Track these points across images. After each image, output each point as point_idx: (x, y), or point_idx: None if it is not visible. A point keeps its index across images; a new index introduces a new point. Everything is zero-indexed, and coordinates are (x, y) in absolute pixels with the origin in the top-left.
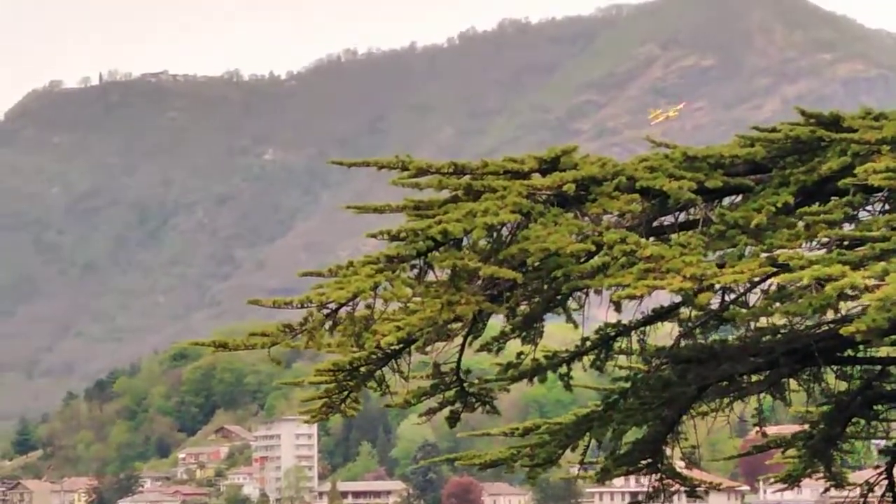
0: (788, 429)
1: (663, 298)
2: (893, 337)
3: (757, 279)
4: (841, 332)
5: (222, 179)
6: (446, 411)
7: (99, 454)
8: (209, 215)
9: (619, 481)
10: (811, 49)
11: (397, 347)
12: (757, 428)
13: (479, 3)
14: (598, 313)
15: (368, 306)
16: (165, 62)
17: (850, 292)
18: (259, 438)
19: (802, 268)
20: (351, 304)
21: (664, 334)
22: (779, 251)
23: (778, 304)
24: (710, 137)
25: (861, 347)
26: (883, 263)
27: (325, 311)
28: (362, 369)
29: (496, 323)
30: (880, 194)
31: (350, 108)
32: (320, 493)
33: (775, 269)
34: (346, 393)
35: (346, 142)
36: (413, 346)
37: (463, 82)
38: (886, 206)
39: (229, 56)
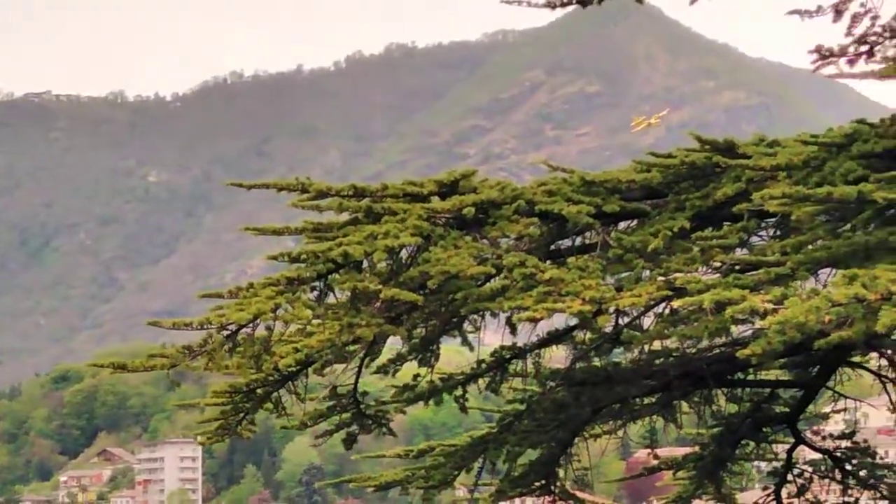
0: (676, 451)
1: (558, 321)
2: (782, 361)
3: (653, 302)
4: (737, 354)
5: (105, 201)
6: (340, 433)
7: None
8: (92, 236)
9: None
10: (694, 77)
11: (295, 369)
12: (646, 450)
13: (366, 27)
14: (487, 338)
15: (268, 328)
16: (48, 82)
17: (744, 316)
18: (142, 461)
19: (700, 291)
20: (251, 325)
21: (558, 357)
22: (675, 275)
23: (674, 328)
24: (595, 162)
25: (751, 370)
26: (781, 288)
27: (225, 333)
28: (259, 391)
29: (391, 345)
30: (773, 220)
31: (236, 130)
32: None
33: (672, 293)
34: (242, 415)
35: (232, 164)
36: (311, 368)
37: (350, 105)
38: (778, 232)
39: (113, 77)
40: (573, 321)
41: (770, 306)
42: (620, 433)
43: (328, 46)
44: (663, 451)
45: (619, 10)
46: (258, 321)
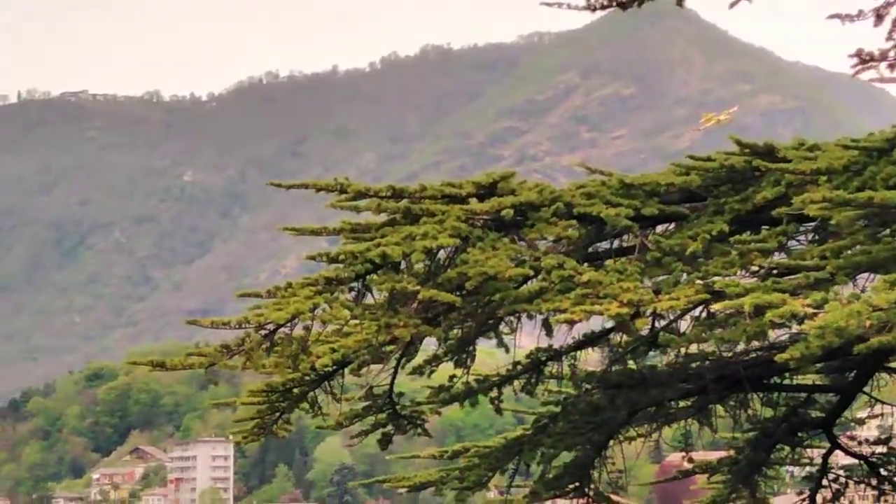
0: (710, 455)
1: (594, 324)
2: (819, 365)
3: (691, 306)
4: (776, 358)
5: (141, 200)
6: (375, 434)
7: (11, 474)
8: (127, 235)
9: None
10: (730, 80)
11: (331, 369)
12: (678, 454)
13: (401, 29)
14: (522, 340)
15: (306, 328)
16: (85, 82)
17: (782, 321)
18: (174, 459)
19: (739, 295)
20: (289, 325)
21: (593, 360)
22: (714, 278)
23: (712, 331)
24: (630, 165)
25: (787, 375)
26: (821, 292)
27: (263, 332)
28: (295, 391)
29: (426, 346)
30: (812, 224)
31: (271, 130)
32: None
33: (710, 296)
34: (278, 414)
35: (267, 164)
36: (347, 369)
37: (384, 107)
38: (817, 237)
39: (150, 77)
40: (609, 324)
41: (810, 310)
42: (655, 436)
43: (363, 47)
44: (697, 455)
45: (655, 13)
46: (296, 321)
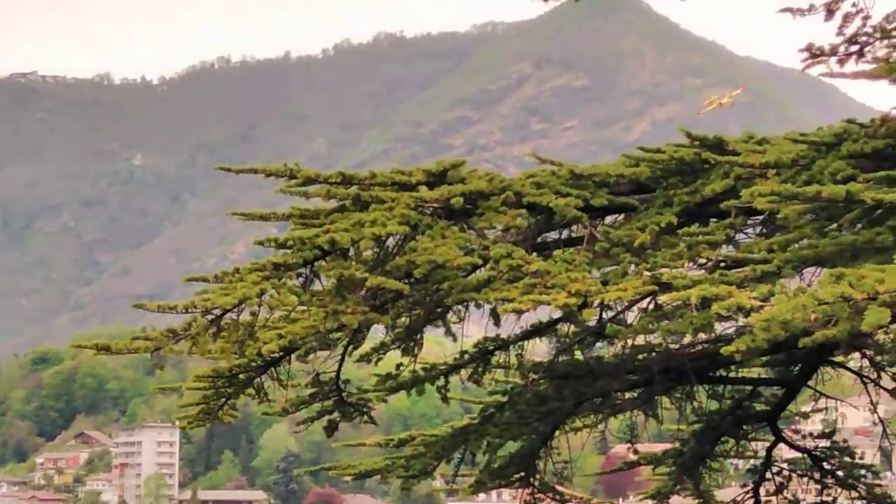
0: (656, 446)
1: (541, 314)
2: (765, 359)
3: (639, 297)
4: (721, 351)
5: (90, 183)
6: (321, 421)
7: None
8: (75, 218)
9: (481, 496)
10: (681, 73)
11: (278, 355)
12: (624, 445)
13: (354, 16)
14: (471, 329)
15: (253, 313)
16: (35, 63)
17: (729, 313)
18: (120, 445)
19: (686, 287)
20: (235, 310)
21: (542, 350)
22: (662, 270)
23: (659, 323)
24: (581, 156)
25: (733, 367)
26: (768, 285)
27: (210, 317)
28: (242, 376)
29: (374, 334)
30: (760, 217)
31: (222, 115)
32: (180, 502)
33: (658, 288)
34: (224, 400)
35: (218, 149)
36: (294, 355)
37: (337, 94)
38: (765, 230)
39: (101, 59)
40: (557, 314)
41: (756, 303)
42: (601, 427)
43: (316, 34)
44: (643, 447)
45: (609, 5)
46: (243, 306)
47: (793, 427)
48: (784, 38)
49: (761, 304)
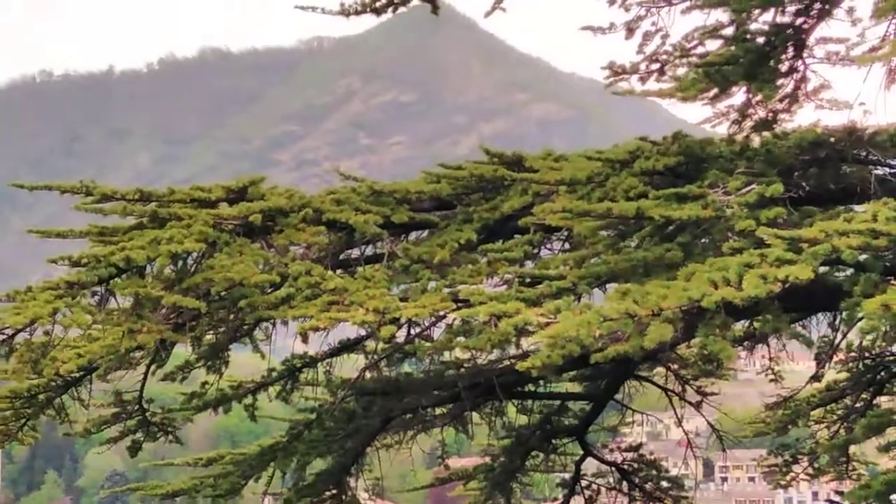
0: (473, 461)
1: (350, 331)
2: (573, 373)
3: (441, 313)
4: (517, 367)
5: None
6: (129, 440)
7: None
8: None
9: None
10: (507, 89)
11: (77, 375)
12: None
13: (179, 30)
14: (289, 345)
15: (47, 333)
16: None
17: (530, 328)
18: None
19: (482, 303)
20: (28, 329)
21: (351, 367)
22: (460, 287)
23: (460, 339)
24: (408, 171)
25: (541, 382)
26: (558, 301)
27: (1, 337)
28: (41, 397)
29: (183, 352)
30: (560, 233)
31: (45, 129)
32: None
33: (457, 305)
34: (23, 421)
35: (40, 163)
36: (94, 374)
37: (162, 108)
38: (566, 246)
39: None
40: (364, 331)
41: (544, 320)
42: (411, 443)
43: (140, 48)
44: (460, 462)
45: (434, 21)
46: (36, 325)
47: (617, 440)
48: (607, 56)
49: (549, 320)
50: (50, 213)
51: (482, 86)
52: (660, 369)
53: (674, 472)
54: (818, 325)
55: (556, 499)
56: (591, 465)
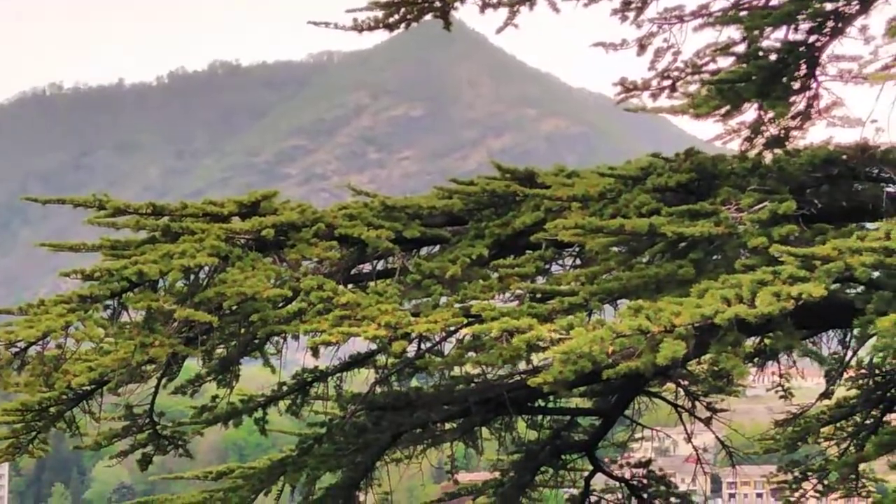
0: (482, 476)
1: (361, 346)
2: (583, 388)
3: (452, 329)
4: (528, 382)
5: None
6: (139, 454)
7: None
8: None
9: None
10: (517, 104)
11: (89, 388)
12: (462, 474)
13: (189, 43)
14: (299, 357)
15: (59, 346)
16: None
17: (545, 344)
18: None
19: (494, 319)
20: (41, 343)
21: (362, 381)
22: (472, 302)
23: (471, 354)
24: (417, 186)
25: (551, 398)
26: (570, 317)
27: (14, 350)
28: (52, 410)
29: (193, 366)
30: (571, 249)
31: (55, 142)
32: None
33: (468, 320)
34: (34, 434)
35: (50, 177)
36: (105, 388)
37: (172, 122)
38: (578, 262)
39: None
40: (375, 345)
41: (556, 336)
42: (421, 458)
43: (151, 61)
44: (469, 477)
45: (444, 36)
46: (48, 339)
47: (625, 456)
48: (616, 72)
49: (561, 336)
50: (59, 226)
51: (491, 101)
52: (669, 385)
53: (682, 487)
54: (829, 342)
55: None
56: (599, 480)
